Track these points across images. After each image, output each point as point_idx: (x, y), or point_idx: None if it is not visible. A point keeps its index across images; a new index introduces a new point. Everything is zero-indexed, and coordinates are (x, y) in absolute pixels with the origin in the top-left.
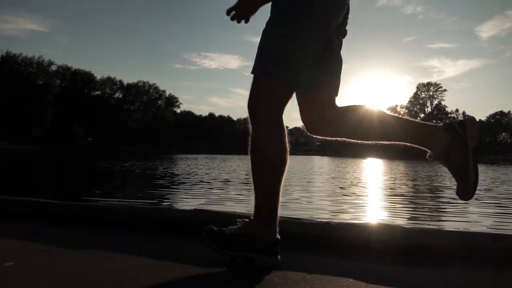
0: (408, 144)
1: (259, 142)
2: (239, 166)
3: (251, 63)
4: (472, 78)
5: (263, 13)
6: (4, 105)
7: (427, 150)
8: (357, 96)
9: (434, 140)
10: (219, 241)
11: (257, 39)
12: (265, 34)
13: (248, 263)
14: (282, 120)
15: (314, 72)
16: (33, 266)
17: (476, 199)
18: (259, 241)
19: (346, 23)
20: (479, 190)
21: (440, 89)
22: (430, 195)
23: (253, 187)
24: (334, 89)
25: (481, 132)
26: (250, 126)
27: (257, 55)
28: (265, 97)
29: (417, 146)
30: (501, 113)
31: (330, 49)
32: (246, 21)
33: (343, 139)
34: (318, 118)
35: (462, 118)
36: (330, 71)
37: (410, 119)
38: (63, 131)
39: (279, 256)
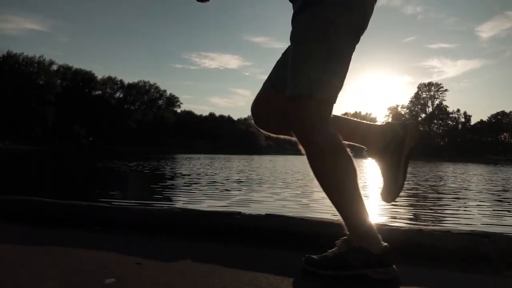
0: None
1: (327, 163)
2: (245, 166)
3: (251, 63)
4: (472, 79)
5: (263, 13)
6: (5, 105)
7: (365, 146)
8: (357, 96)
9: (375, 137)
10: (323, 264)
11: (257, 39)
12: (299, 52)
13: (362, 279)
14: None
15: None
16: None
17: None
18: (367, 253)
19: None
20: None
21: (441, 89)
22: (433, 195)
23: (335, 206)
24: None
25: (420, 138)
26: (303, 148)
27: (293, 76)
28: (317, 119)
29: (357, 144)
30: (502, 113)
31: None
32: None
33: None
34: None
35: (407, 122)
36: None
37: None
38: (63, 131)
39: (394, 266)
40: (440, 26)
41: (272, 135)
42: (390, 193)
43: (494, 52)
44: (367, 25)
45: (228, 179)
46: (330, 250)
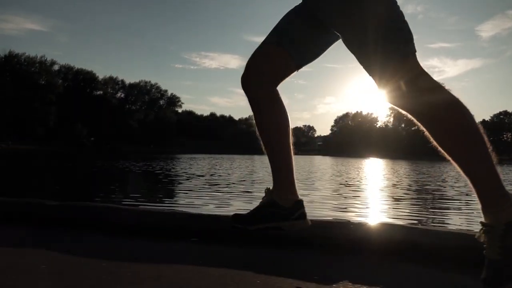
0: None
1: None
2: (254, 167)
3: None
4: (473, 78)
5: (264, 13)
6: (7, 104)
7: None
8: (357, 96)
9: (284, 189)
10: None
11: (257, 39)
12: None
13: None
14: None
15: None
16: None
17: None
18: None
19: None
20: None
21: None
22: (435, 194)
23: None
24: None
25: None
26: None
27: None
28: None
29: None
30: (505, 112)
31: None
32: None
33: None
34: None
35: (302, 219)
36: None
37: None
38: (65, 131)
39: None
40: (441, 26)
41: (251, 96)
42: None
43: (495, 52)
44: None
45: (244, 180)
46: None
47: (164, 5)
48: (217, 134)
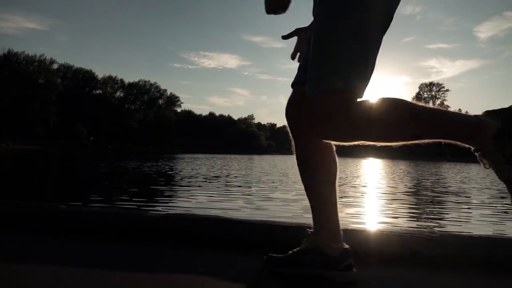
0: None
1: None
2: (263, 167)
3: (249, 63)
4: (471, 79)
5: (262, 13)
6: (6, 104)
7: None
8: None
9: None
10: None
11: (255, 39)
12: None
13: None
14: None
15: None
16: None
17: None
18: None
19: None
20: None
21: (443, 89)
22: (435, 197)
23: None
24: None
25: None
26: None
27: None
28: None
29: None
30: None
31: None
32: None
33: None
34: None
35: (351, 271)
36: None
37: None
38: (65, 131)
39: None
40: (439, 27)
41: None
42: None
43: (492, 52)
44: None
45: (259, 181)
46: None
47: (162, 5)
48: (216, 134)
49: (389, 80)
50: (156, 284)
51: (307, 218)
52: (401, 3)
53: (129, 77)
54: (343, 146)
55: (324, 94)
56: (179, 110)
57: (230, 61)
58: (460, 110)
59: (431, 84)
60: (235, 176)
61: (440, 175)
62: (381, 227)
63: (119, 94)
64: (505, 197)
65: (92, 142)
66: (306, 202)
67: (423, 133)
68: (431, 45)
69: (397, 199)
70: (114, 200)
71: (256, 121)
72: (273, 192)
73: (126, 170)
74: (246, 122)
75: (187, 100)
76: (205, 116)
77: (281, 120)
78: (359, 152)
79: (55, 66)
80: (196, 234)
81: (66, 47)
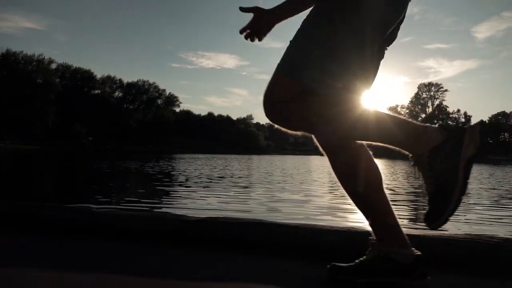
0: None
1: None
2: (265, 167)
3: (248, 63)
4: (469, 79)
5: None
6: (5, 103)
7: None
8: None
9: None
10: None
11: None
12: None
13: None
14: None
15: None
16: None
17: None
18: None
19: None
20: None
21: (441, 89)
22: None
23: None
24: None
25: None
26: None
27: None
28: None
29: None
30: (503, 113)
31: None
32: (260, 40)
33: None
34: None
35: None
36: None
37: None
38: (64, 130)
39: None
40: (437, 27)
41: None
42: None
43: (490, 53)
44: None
45: (271, 182)
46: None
47: (161, 4)
48: (215, 134)
49: (389, 80)
50: None
51: (327, 220)
52: None
53: (128, 77)
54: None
55: (288, 77)
56: (177, 110)
57: (228, 61)
58: (459, 110)
59: (430, 84)
60: (239, 177)
61: None
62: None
63: (117, 94)
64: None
65: (91, 142)
66: (318, 203)
67: (367, 137)
68: (430, 45)
69: (412, 200)
70: (124, 201)
71: (254, 121)
72: (282, 192)
73: (129, 171)
74: (245, 122)
75: (185, 100)
76: (204, 116)
77: None
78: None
79: (53, 65)
80: (250, 240)
81: (65, 47)
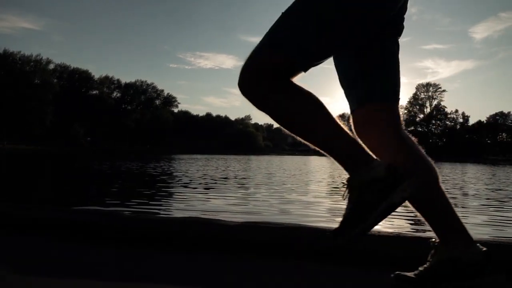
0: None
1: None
2: (267, 167)
3: None
4: (466, 79)
5: (259, 13)
6: (3, 104)
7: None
8: None
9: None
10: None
11: (253, 39)
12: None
13: (390, 208)
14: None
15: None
16: None
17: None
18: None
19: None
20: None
21: (440, 89)
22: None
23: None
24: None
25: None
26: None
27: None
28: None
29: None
30: (501, 113)
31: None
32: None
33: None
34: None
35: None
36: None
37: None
38: (62, 131)
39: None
40: (435, 27)
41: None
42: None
43: (487, 53)
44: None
45: (270, 182)
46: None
47: (159, 5)
48: (214, 134)
49: None
50: None
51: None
52: None
53: (126, 78)
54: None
55: (267, 47)
56: (176, 110)
57: (226, 61)
58: (457, 110)
59: (428, 84)
60: (243, 178)
61: (446, 176)
62: (392, 230)
63: (116, 94)
64: None
65: (89, 143)
66: (329, 204)
67: (316, 142)
68: (427, 46)
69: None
70: (132, 204)
71: (253, 121)
72: (290, 194)
73: (131, 172)
74: (243, 122)
75: (183, 100)
76: (202, 117)
77: None
78: None
79: (51, 66)
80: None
81: (62, 47)
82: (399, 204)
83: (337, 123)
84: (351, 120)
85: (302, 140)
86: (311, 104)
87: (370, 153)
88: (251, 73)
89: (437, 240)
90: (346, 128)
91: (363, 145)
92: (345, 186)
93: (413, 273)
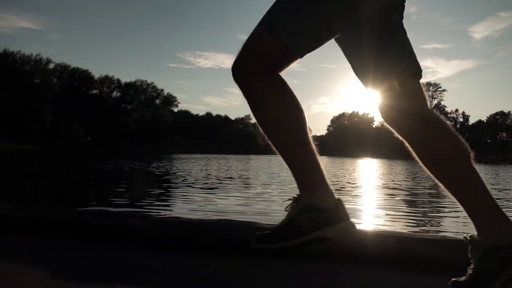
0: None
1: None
2: (269, 167)
3: None
4: (465, 79)
5: (258, 12)
6: (3, 103)
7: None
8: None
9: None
10: (271, 237)
11: None
12: None
13: (320, 243)
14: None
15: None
16: None
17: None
18: (318, 210)
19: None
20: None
21: (440, 89)
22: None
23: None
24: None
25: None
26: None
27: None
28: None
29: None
30: (501, 113)
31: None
32: None
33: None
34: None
35: (348, 220)
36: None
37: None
38: (62, 131)
39: (351, 221)
40: (434, 27)
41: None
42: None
43: (487, 53)
44: None
45: (276, 182)
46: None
47: (158, 4)
48: (213, 134)
49: None
50: None
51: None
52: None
53: (125, 77)
54: (340, 146)
55: (262, 31)
56: (176, 110)
57: (226, 61)
58: (457, 110)
59: (428, 84)
60: (248, 178)
61: None
62: (379, 227)
63: (116, 94)
64: None
65: (89, 142)
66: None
67: (279, 149)
68: (427, 45)
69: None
70: (143, 205)
71: (253, 121)
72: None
73: (135, 171)
74: (243, 122)
75: (183, 100)
76: (202, 116)
77: None
78: (356, 152)
79: (51, 65)
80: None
81: (62, 47)
82: (328, 240)
83: (310, 151)
84: (347, 119)
85: (266, 139)
86: (292, 119)
87: (327, 183)
88: (245, 59)
89: (469, 234)
90: (316, 152)
91: (325, 173)
92: (291, 200)
93: (464, 277)
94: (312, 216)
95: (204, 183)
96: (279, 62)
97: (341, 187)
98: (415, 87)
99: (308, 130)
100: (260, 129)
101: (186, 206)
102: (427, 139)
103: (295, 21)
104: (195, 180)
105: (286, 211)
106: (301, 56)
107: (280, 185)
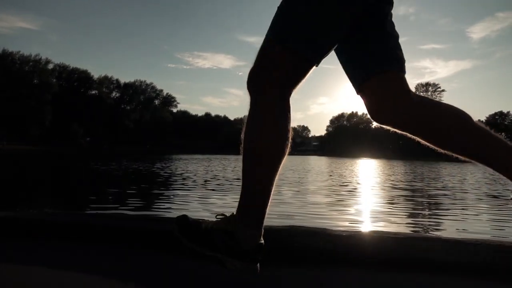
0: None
1: (252, 126)
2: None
3: (244, 63)
4: (463, 79)
5: (257, 13)
6: (2, 104)
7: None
8: (353, 97)
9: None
10: (191, 234)
11: (251, 39)
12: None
13: (219, 264)
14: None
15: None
16: None
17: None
18: (237, 242)
19: None
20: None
21: (439, 89)
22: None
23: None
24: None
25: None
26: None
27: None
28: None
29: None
30: (500, 113)
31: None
32: None
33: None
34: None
35: (254, 265)
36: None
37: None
38: (61, 131)
39: (258, 265)
40: (432, 27)
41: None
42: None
43: (485, 53)
44: None
45: (283, 183)
46: (208, 220)
47: (157, 4)
48: (212, 134)
49: None
50: None
51: (387, 227)
52: (395, 4)
53: (124, 77)
54: (340, 146)
55: (275, 43)
56: (175, 110)
57: (224, 61)
58: None
59: (427, 84)
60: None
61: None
62: (377, 228)
63: (115, 94)
64: None
65: (88, 143)
66: (359, 207)
67: (245, 173)
68: (425, 46)
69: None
70: (157, 207)
71: None
72: (315, 196)
73: (140, 172)
74: (243, 122)
75: (182, 100)
76: (201, 117)
77: None
78: (355, 153)
79: (50, 66)
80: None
81: (60, 47)
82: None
83: (270, 191)
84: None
85: (242, 145)
86: (278, 150)
87: (263, 223)
88: (261, 74)
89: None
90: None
91: (267, 213)
92: (225, 216)
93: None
94: (228, 242)
95: (216, 184)
96: (295, 75)
97: (352, 189)
98: (398, 83)
99: (280, 168)
100: (242, 143)
101: (201, 206)
102: (427, 120)
103: (306, 27)
104: (205, 181)
105: (216, 218)
106: (317, 63)
107: (291, 185)
